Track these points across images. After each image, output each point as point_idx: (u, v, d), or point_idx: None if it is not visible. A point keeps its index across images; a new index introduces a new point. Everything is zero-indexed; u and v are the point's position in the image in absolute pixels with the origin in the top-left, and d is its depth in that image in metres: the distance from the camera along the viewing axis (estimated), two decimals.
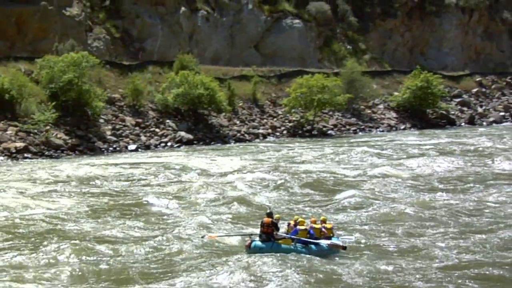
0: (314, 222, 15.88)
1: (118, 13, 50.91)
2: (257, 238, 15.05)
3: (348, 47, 65.00)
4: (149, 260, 14.70)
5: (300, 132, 47.30)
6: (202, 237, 16.13)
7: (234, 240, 16.17)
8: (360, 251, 15.50)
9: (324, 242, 15.26)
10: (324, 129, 48.68)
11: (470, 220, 18.62)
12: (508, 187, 23.25)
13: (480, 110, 61.21)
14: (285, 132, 46.99)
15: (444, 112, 56.57)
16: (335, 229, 16.44)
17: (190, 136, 40.95)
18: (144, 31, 51.51)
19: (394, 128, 52.43)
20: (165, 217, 19.31)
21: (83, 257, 14.66)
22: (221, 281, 12.99)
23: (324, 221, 16.15)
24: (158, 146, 39.20)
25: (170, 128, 41.78)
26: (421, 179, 25.53)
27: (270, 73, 54.36)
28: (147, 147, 38.57)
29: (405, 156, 32.45)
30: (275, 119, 48.84)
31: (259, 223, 15.30)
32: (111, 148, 37.21)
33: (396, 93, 57.60)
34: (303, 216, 17.40)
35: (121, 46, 50.03)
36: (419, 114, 55.17)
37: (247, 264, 13.77)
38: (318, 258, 14.58)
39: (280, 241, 14.99)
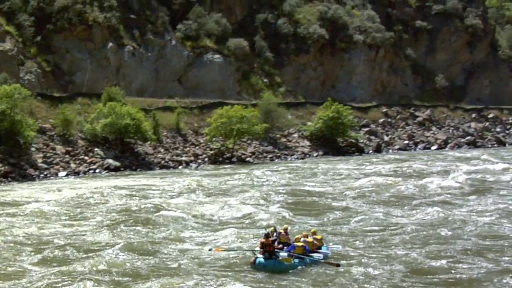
0: (306, 236, 16.87)
1: (49, 48, 51.18)
2: (259, 254, 16.13)
3: (265, 80, 65.92)
4: (157, 273, 15.33)
5: (220, 159, 48.32)
6: (210, 250, 17.05)
7: (238, 254, 17.14)
8: (344, 259, 16.90)
9: (319, 258, 16.31)
10: (243, 156, 49.89)
11: (428, 230, 20.36)
12: (449, 202, 26.21)
13: (386, 138, 63.31)
14: (206, 159, 48.08)
15: (353, 140, 57.81)
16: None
17: (118, 163, 42.18)
18: (73, 65, 51.75)
19: (307, 155, 53.79)
20: (168, 231, 20.33)
21: (89, 268, 15.73)
22: None
23: (314, 233, 17.26)
24: (87, 172, 40.44)
25: (98, 156, 42.76)
26: (367, 196, 28.23)
27: (192, 104, 55.01)
28: (76, 174, 39.66)
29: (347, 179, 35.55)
30: (197, 147, 49.80)
31: (259, 244, 16.34)
32: (42, 175, 37.95)
33: (309, 123, 58.82)
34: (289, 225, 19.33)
35: (52, 79, 50.09)
36: (330, 143, 56.46)
37: (253, 279, 14.77)
38: (313, 269, 16.11)
39: (281, 259, 15.97)
